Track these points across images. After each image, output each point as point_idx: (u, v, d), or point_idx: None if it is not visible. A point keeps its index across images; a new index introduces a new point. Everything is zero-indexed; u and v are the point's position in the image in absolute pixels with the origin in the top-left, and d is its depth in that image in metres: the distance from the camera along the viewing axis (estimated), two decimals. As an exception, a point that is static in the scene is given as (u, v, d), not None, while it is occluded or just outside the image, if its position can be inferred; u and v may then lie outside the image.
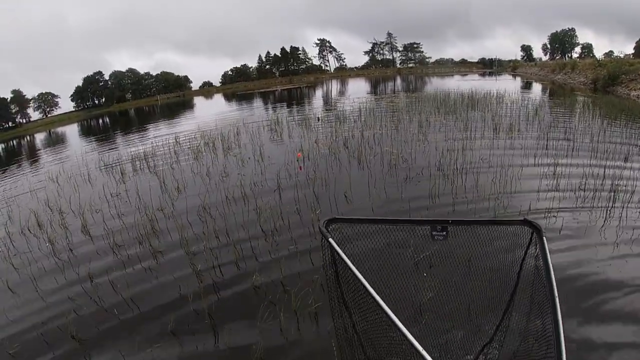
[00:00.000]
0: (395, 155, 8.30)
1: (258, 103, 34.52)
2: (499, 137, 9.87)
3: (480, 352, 2.51)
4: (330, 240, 2.28)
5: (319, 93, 41.34)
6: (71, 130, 34.93)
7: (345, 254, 2.21)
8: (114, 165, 10.99)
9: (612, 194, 5.53)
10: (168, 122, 26.78)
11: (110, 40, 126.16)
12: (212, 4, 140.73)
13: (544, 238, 2.26)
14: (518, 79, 42.58)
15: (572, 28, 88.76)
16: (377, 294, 1.89)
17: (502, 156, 7.89)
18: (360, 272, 2.09)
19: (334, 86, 51.78)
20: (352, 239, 2.44)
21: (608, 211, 5.13)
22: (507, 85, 29.75)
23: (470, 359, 2.33)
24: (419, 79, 53.97)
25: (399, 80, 52.63)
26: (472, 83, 30.44)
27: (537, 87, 29.60)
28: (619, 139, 8.93)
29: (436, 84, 34.32)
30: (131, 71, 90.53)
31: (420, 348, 1.59)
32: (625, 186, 5.84)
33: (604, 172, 6.43)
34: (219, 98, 57.24)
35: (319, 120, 15.43)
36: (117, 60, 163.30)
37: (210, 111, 30.33)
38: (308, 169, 8.15)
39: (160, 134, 18.52)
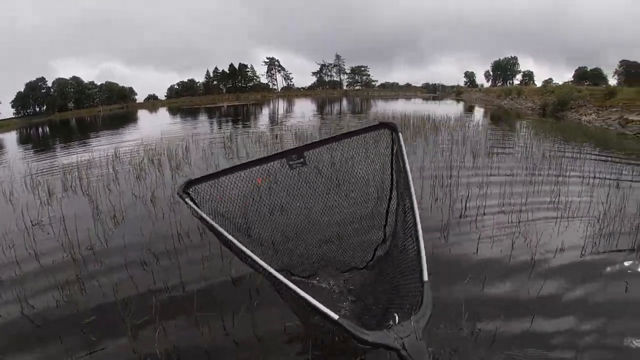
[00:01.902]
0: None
1: (205, 118, 32.80)
2: (477, 160, 9.22)
3: (372, 258, 2.46)
4: (187, 200, 2.22)
5: (266, 111, 40.17)
6: (9, 138, 31.59)
7: (214, 210, 2.25)
8: (42, 182, 9.03)
9: None
10: (110, 133, 24.58)
11: (56, 47, 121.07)
12: (162, 17, 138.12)
13: (400, 134, 2.36)
14: (462, 104, 43.43)
15: (514, 56, 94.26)
16: (251, 242, 2.04)
17: (491, 184, 7.06)
18: (232, 224, 2.20)
19: (282, 105, 50.89)
20: (218, 195, 2.40)
21: None
22: (458, 109, 30.15)
23: (363, 265, 2.20)
24: (365, 101, 54.43)
25: (345, 102, 52.65)
26: (420, 107, 30.65)
27: (487, 112, 29.87)
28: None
29: (383, 107, 34.07)
30: (75, 79, 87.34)
31: (296, 289, 1.58)
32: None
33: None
34: (163, 112, 54.79)
35: (276, 137, 14.15)
36: (62, 67, 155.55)
37: (155, 124, 28.65)
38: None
39: (99, 145, 16.59)
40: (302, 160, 2.46)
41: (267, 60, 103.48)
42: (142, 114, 53.91)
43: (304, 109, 37.09)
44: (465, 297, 3.36)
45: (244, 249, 1.79)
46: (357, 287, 2.65)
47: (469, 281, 3.73)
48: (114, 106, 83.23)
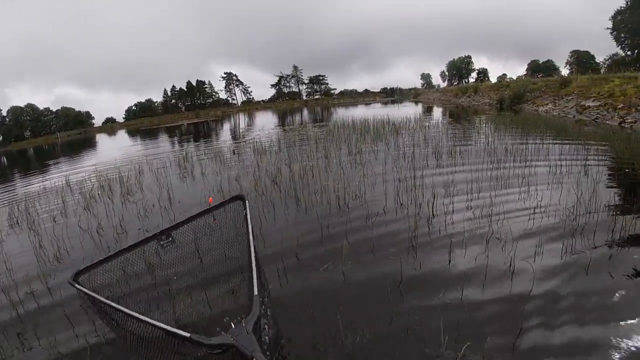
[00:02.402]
0: (339, 189, 6.78)
1: (164, 138, 31.90)
2: (441, 160, 8.94)
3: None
4: (77, 286, 2.37)
5: (227, 126, 39.43)
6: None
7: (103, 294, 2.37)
8: None
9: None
10: (66, 160, 23.68)
11: (8, 74, 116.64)
12: (116, 38, 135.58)
13: (247, 202, 2.92)
14: (420, 105, 43.71)
15: (468, 55, 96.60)
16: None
17: (457, 183, 6.77)
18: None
19: (242, 119, 50.31)
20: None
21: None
22: (417, 110, 30.32)
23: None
24: (326, 109, 54.38)
25: (306, 112, 52.41)
26: (380, 111, 30.69)
27: (446, 111, 30.13)
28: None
29: (344, 114, 33.87)
30: (30, 107, 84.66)
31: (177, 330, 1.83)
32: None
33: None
34: (122, 134, 53.16)
35: (234, 153, 13.60)
36: (16, 95, 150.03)
37: (112, 148, 28.10)
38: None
39: (53, 175, 15.83)
40: (170, 239, 2.81)
41: (225, 76, 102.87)
42: (100, 138, 52.37)
43: (265, 121, 36.62)
44: (444, 317, 2.99)
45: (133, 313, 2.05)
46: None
47: (445, 297, 3.35)
48: (71, 132, 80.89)
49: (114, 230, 6.20)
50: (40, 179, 15.37)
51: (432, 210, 5.41)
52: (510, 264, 3.75)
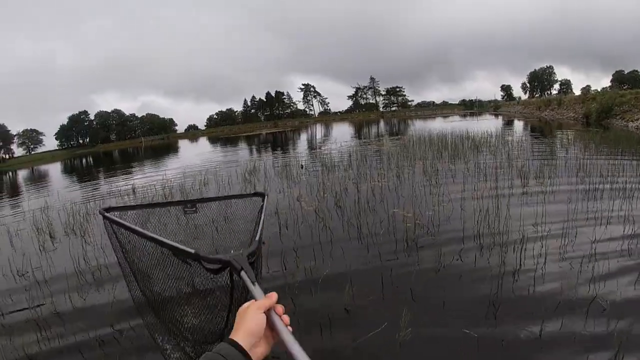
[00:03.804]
0: (408, 219, 5.97)
1: (241, 147, 32.63)
2: (528, 186, 7.73)
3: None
4: (108, 214, 2.61)
5: (303, 137, 39.51)
6: (53, 169, 33.36)
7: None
8: (46, 223, 8.30)
9: None
10: (144, 164, 24.88)
11: (98, 81, 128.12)
12: (199, 51, 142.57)
13: (265, 200, 2.89)
14: (500, 118, 41.20)
15: (550, 66, 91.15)
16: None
17: (548, 216, 5.69)
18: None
19: (319, 130, 50.34)
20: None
21: None
22: (497, 124, 28.59)
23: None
24: (403, 121, 52.95)
25: (382, 124, 51.34)
26: (458, 124, 29.25)
27: (528, 125, 27.96)
28: None
29: (421, 127, 32.56)
30: (116, 112, 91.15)
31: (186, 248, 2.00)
32: None
33: None
34: (203, 141, 55.25)
35: (302, 167, 13.08)
36: (103, 101, 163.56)
37: (191, 154, 29.18)
38: (286, 242, 5.72)
39: (123, 177, 16.71)
40: (194, 209, 3.00)
41: (303, 87, 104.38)
42: (182, 144, 54.60)
43: (341, 133, 36.21)
44: None
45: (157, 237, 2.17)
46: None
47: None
48: (155, 137, 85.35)
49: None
50: (112, 182, 15.91)
51: (519, 260, 4.40)
52: (619, 349, 2.72)
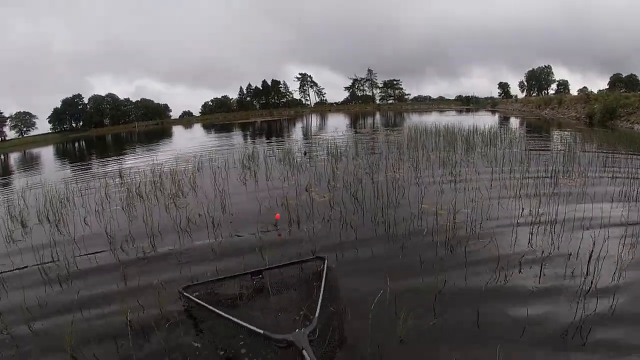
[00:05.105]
0: (442, 217, 5.05)
1: (236, 133, 31.45)
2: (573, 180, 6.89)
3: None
4: (186, 294, 3.20)
5: (299, 126, 38.34)
6: (45, 152, 32.68)
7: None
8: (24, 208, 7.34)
9: None
10: (136, 149, 23.70)
11: (92, 64, 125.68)
12: (196, 35, 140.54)
13: (325, 264, 3.40)
14: (500, 115, 40.09)
15: (548, 65, 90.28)
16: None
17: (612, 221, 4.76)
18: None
19: (315, 120, 49.17)
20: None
21: None
22: (495, 120, 27.96)
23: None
24: (398, 114, 52.05)
25: (378, 116, 50.25)
26: (457, 118, 28.54)
27: (531, 123, 27.15)
28: None
29: (417, 120, 31.48)
30: (110, 96, 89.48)
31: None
32: None
33: None
34: (197, 127, 54.13)
35: (306, 154, 12.07)
36: (97, 84, 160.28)
37: (184, 139, 28.51)
38: (299, 238, 4.80)
39: (114, 162, 15.53)
40: (260, 276, 3.46)
41: (300, 76, 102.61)
42: (176, 130, 53.30)
43: (338, 123, 35.11)
44: None
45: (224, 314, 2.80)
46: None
47: None
48: (149, 122, 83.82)
49: (140, 250, 4.83)
50: (100, 166, 14.93)
51: (594, 278, 3.42)
52: None
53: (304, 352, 2.24)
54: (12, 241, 5.59)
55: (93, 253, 4.81)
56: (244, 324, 2.61)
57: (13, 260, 4.71)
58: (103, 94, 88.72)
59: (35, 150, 38.87)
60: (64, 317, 3.27)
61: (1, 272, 4.41)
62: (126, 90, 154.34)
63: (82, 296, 3.65)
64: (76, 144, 42.27)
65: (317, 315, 2.64)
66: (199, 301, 3.04)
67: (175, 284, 3.65)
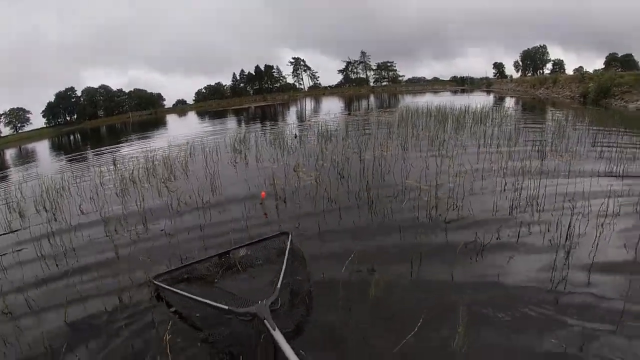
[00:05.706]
0: (425, 191, 5.20)
1: (229, 120, 31.32)
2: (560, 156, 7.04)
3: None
4: (156, 282, 3.29)
5: (293, 110, 38.24)
6: (40, 147, 32.70)
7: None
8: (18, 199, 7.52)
9: None
10: (131, 138, 23.61)
11: (84, 57, 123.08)
12: (187, 23, 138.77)
13: (290, 237, 3.63)
14: (495, 95, 40.05)
15: (543, 45, 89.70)
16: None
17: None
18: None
19: (309, 104, 49.02)
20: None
21: None
22: (492, 100, 28.07)
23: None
24: (393, 96, 51.84)
25: (373, 99, 50.08)
26: (450, 98, 28.63)
27: (526, 102, 27.22)
28: None
29: (411, 101, 31.40)
30: (104, 88, 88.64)
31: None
32: None
33: None
34: (191, 115, 53.81)
35: (296, 137, 12.16)
36: (90, 77, 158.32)
37: (178, 127, 28.77)
38: (283, 216, 4.98)
39: (107, 151, 15.65)
40: (229, 255, 3.65)
41: (293, 61, 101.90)
42: (170, 119, 53.12)
43: (331, 106, 35.06)
44: None
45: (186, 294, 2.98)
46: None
47: None
48: (143, 112, 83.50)
49: (132, 230, 5.00)
50: (95, 156, 15.03)
51: (572, 232, 3.67)
52: None
53: (265, 321, 2.37)
54: (10, 232, 5.72)
55: (88, 235, 4.99)
56: (209, 302, 2.73)
57: (12, 249, 4.85)
58: (96, 86, 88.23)
59: (30, 146, 38.78)
60: (60, 292, 3.48)
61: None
62: (120, 81, 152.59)
63: (75, 273, 3.83)
64: (71, 137, 42.15)
65: (278, 286, 2.80)
66: (167, 287, 3.16)
67: (165, 261, 3.88)
